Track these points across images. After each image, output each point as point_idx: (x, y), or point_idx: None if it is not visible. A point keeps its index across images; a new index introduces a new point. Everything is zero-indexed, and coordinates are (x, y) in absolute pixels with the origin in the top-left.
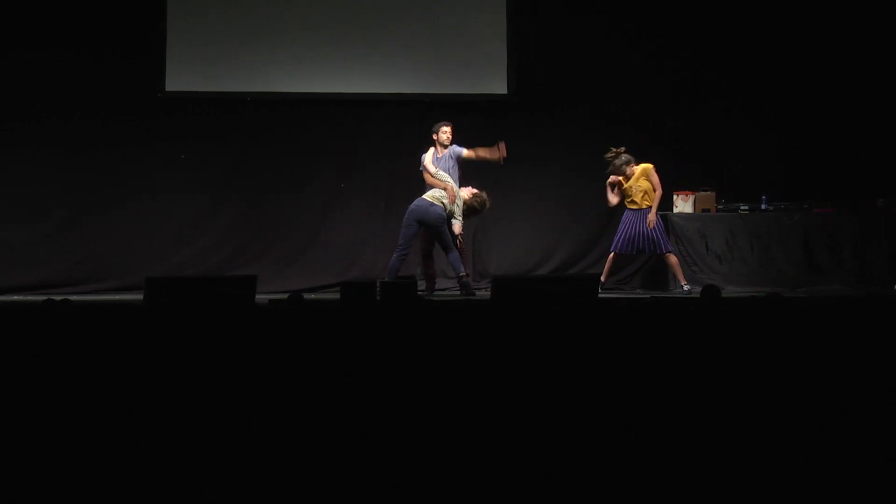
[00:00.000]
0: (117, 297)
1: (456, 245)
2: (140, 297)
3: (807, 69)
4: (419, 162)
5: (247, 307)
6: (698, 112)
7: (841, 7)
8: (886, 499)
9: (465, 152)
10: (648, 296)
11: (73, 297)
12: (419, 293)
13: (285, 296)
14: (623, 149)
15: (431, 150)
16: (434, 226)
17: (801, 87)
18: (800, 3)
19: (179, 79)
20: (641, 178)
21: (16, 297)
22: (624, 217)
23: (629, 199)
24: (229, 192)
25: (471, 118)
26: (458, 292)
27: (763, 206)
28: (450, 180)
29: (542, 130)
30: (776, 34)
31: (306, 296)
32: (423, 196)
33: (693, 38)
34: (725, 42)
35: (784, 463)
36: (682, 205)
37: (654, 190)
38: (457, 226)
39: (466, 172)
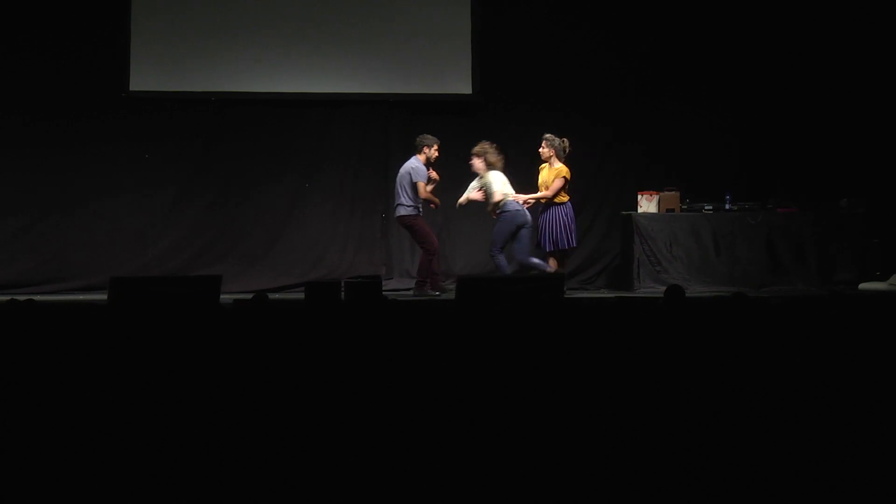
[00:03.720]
0: (82, 297)
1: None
2: (105, 297)
3: (772, 69)
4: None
5: (211, 307)
6: (663, 111)
7: (802, 7)
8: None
9: (422, 183)
10: (613, 295)
11: (38, 298)
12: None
13: (250, 296)
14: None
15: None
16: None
17: (766, 87)
18: (762, 4)
19: (143, 78)
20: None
21: None
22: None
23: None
24: (193, 192)
25: (435, 118)
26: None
27: (727, 206)
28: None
29: (506, 129)
30: (740, 34)
31: (271, 296)
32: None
33: (658, 37)
34: (690, 41)
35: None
36: (647, 205)
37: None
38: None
39: (438, 168)
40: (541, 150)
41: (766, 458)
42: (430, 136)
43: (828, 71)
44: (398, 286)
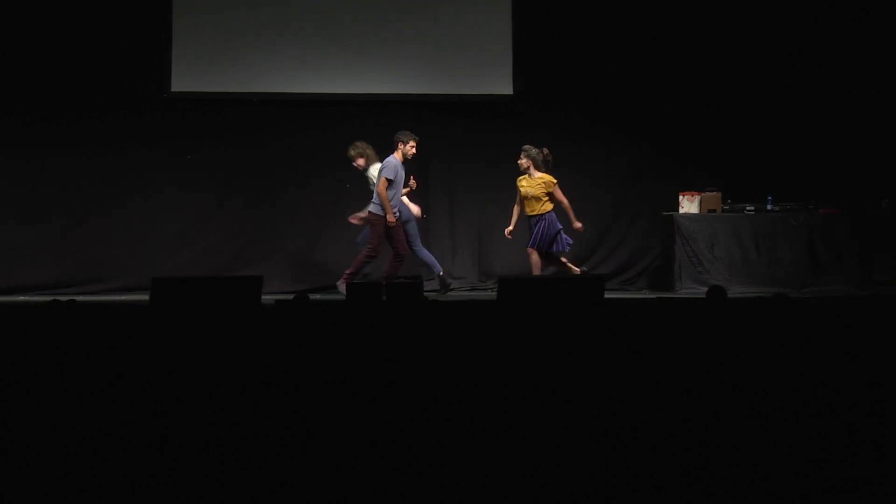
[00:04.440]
0: (123, 297)
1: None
2: (146, 297)
3: (814, 70)
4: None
5: (253, 308)
6: (704, 113)
7: (847, 9)
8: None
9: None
10: (654, 296)
11: (79, 298)
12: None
13: (291, 296)
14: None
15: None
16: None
17: (808, 88)
18: (806, 5)
19: (185, 79)
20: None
21: (21, 298)
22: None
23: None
24: (234, 192)
25: (475, 118)
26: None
27: (768, 207)
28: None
29: (546, 131)
30: (782, 36)
31: (312, 296)
32: None
33: (700, 40)
34: (728, 46)
35: (788, 461)
36: (688, 205)
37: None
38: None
39: (476, 170)
40: (519, 161)
41: (813, 461)
42: (406, 133)
43: (871, 72)
44: (439, 287)
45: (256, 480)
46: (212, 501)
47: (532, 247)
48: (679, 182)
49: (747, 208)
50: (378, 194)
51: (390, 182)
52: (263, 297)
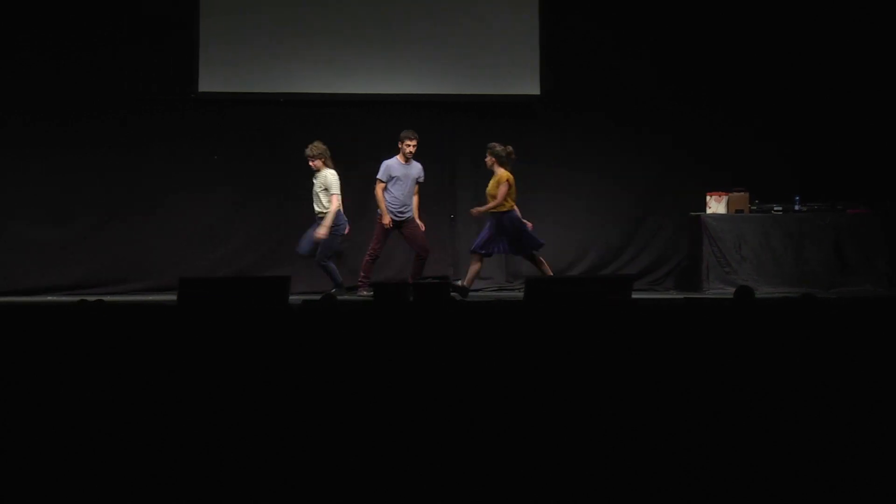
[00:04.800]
0: (150, 297)
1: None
2: (173, 297)
3: (842, 70)
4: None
5: (280, 308)
6: (732, 113)
7: (873, 6)
8: None
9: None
10: (682, 297)
11: (107, 298)
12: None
13: (318, 296)
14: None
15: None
16: None
17: (837, 87)
18: (832, 4)
19: (212, 79)
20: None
21: (49, 298)
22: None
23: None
24: (262, 192)
25: (503, 119)
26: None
27: (796, 207)
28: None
29: (573, 131)
30: (811, 35)
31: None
32: None
33: (728, 40)
34: (761, 44)
35: (816, 463)
36: (716, 205)
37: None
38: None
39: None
40: (486, 159)
41: (842, 462)
42: (404, 131)
43: None
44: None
45: (282, 480)
46: (238, 501)
47: (476, 250)
48: (706, 182)
49: (775, 208)
50: (376, 196)
51: (385, 183)
52: (291, 297)
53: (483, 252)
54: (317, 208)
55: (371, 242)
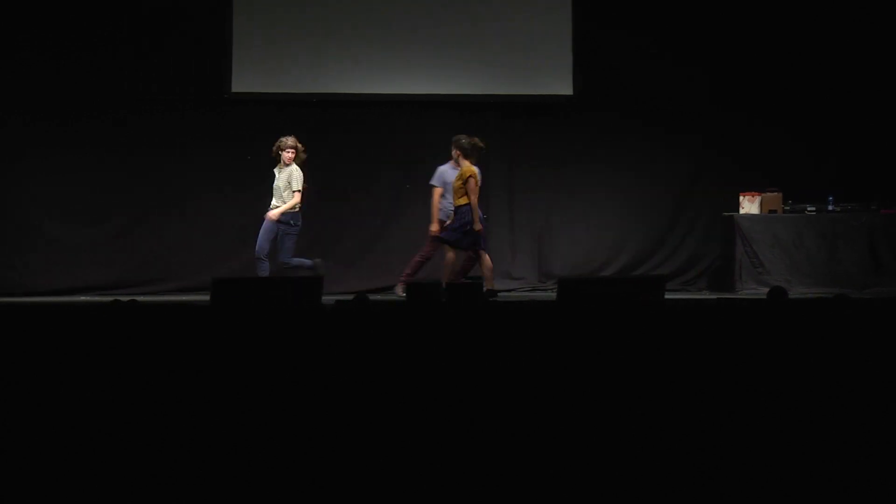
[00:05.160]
0: (183, 297)
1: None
2: (206, 297)
3: (875, 69)
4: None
5: (313, 308)
6: (765, 113)
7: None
8: None
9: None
10: (714, 297)
11: (140, 298)
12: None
13: (350, 296)
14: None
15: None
16: None
17: (870, 87)
18: (862, 5)
19: (245, 80)
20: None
21: (83, 298)
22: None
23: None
24: None
25: (535, 119)
26: None
27: (829, 207)
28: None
29: (606, 131)
30: (841, 35)
31: (372, 296)
32: None
33: (760, 40)
34: (792, 43)
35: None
36: (749, 206)
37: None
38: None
39: (536, 171)
40: (452, 152)
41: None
42: (456, 135)
43: None
44: (499, 287)
45: (316, 478)
46: (274, 501)
47: (445, 242)
48: (739, 182)
49: (808, 209)
50: (432, 201)
51: (441, 188)
52: (323, 297)
53: (477, 249)
54: (276, 202)
55: (426, 244)
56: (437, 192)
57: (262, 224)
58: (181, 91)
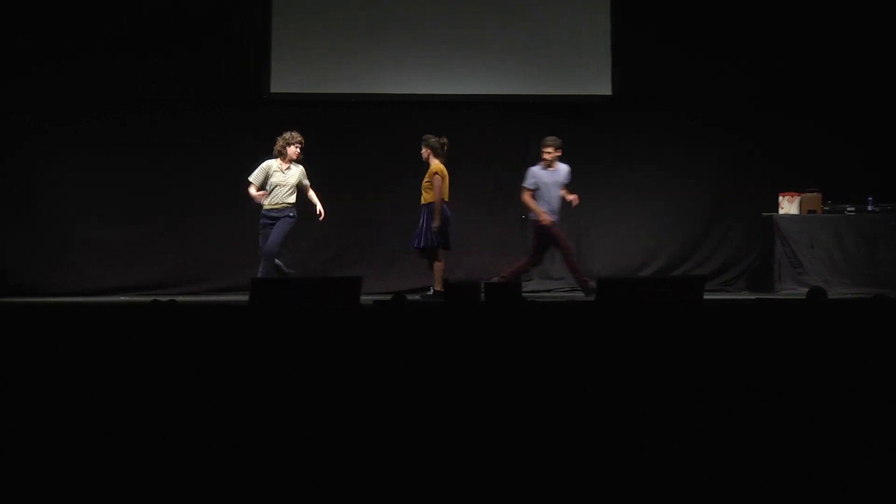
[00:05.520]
0: (222, 297)
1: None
2: (245, 298)
3: None
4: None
5: (352, 309)
6: (804, 113)
7: None
8: None
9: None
10: (753, 297)
11: (179, 298)
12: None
13: (388, 297)
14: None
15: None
16: None
17: None
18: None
19: (284, 81)
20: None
21: (122, 298)
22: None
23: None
24: (332, 193)
25: (574, 119)
26: None
27: (869, 208)
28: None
29: (645, 131)
30: (880, 35)
31: (409, 297)
32: None
33: (799, 40)
34: (832, 43)
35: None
36: (788, 206)
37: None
38: None
39: (574, 170)
40: (421, 151)
41: None
42: (548, 137)
43: None
44: (538, 287)
45: (356, 476)
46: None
47: (415, 246)
48: (778, 182)
49: (848, 209)
50: (525, 202)
51: (531, 191)
52: (362, 297)
53: (417, 248)
54: (293, 199)
55: (531, 250)
56: (528, 193)
57: (282, 225)
58: (220, 92)
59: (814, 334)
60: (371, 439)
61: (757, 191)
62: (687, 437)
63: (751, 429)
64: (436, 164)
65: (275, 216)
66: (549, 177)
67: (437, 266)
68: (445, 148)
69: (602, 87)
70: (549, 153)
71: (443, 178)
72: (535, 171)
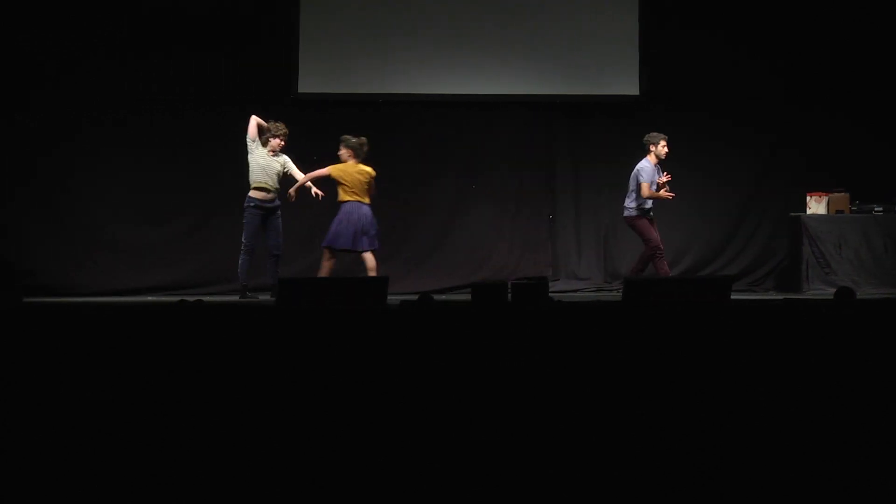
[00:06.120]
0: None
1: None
2: (267, 297)
3: None
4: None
5: (378, 308)
6: (832, 113)
7: None
8: None
9: (646, 184)
10: (781, 297)
11: (206, 298)
12: None
13: (415, 297)
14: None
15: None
16: None
17: None
18: None
19: (311, 81)
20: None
21: (150, 298)
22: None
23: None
24: None
25: (601, 119)
26: None
27: None
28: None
29: (673, 131)
30: None
31: (436, 297)
32: None
33: (827, 39)
34: (860, 42)
35: None
36: (816, 206)
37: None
38: None
39: (602, 170)
40: (339, 152)
41: None
42: (654, 134)
43: None
44: (565, 287)
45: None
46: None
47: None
48: (806, 182)
49: (876, 209)
50: (643, 194)
51: (649, 184)
52: (389, 297)
53: (330, 246)
54: (277, 186)
55: (645, 240)
56: (646, 186)
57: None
58: (247, 91)
59: (842, 335)
60: (398, 439)
61: (784, 191)
62: (715, 438)
63: (779, 430)
64: (361, 165)
65: (268, 207)
66: (657, 173)
67: (369, 265)
68: (364, 148)
69: (630, 86)
70: (666, 147)
71: (340, 176)
72: (650, 168)
